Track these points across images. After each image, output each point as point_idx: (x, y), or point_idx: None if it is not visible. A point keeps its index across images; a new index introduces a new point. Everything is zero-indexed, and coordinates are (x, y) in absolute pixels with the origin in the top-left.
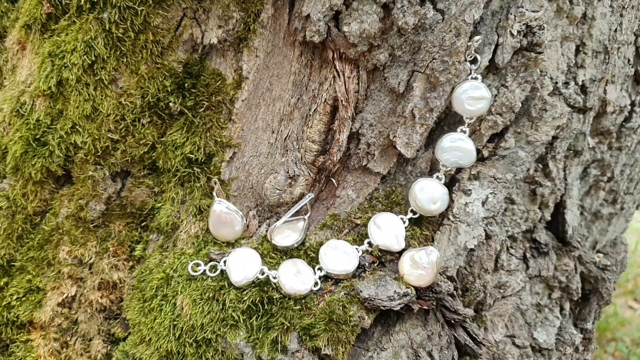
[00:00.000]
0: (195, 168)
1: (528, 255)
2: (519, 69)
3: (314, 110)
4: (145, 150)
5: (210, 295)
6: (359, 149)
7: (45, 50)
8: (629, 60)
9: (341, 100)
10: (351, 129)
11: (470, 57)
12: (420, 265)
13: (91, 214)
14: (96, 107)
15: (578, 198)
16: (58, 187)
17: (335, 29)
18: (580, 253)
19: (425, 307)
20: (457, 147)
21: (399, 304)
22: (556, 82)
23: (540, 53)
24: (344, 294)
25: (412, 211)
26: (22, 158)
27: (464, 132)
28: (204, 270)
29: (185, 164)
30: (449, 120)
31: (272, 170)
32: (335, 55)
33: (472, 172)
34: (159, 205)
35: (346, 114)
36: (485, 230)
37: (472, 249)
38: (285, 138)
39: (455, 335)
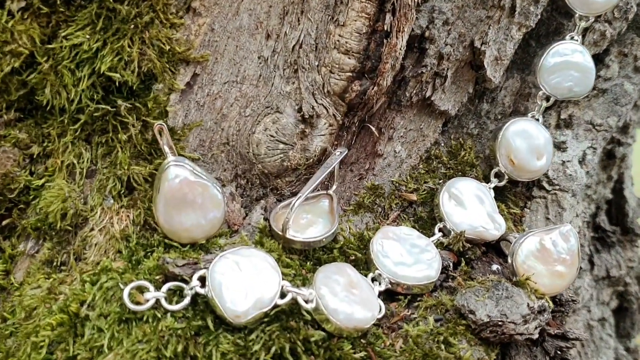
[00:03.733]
0: (119, 103)
1: (592, 249)
2: None
3: None
4: (15, 66)
5: (179, 348)
6: (424, 66)
7: None
8: None
9: None
10: (412, 29)
11: None
12: (556, 257)
13: None
14: None
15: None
16: None
17: None
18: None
19: (557, 331)
20: (573, 64)
21: (537, 327)
22: None
23: None
24: (435, 320)
25: (496, 175)
26: None
27: (576, 40)
28: (157, 301)
29: (97, 96)
30: (537, 31)
31: (269, 109)
32: None
33: (562, 117)
34: (40, 182)
35: None
36: None
37: None
38: (293, 47)
39: None
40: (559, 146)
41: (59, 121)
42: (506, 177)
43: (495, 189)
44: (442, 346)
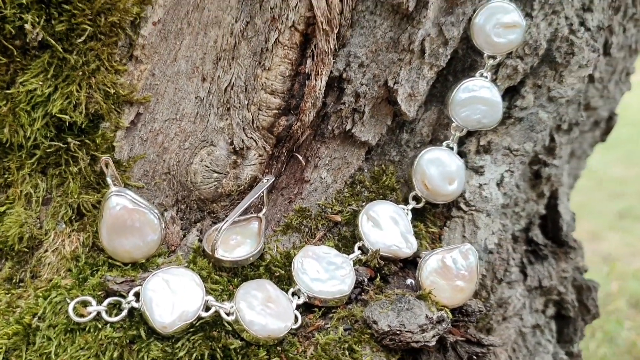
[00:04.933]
0: (70, 140)
1: (525, 261)
2: None
3: (275, 41)
4: None
5: (114, 355)
6: (342, 103)
7: None
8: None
9: (320, 23)
10: (331, 71)
11: None
12: (455, 273)
13: None
14: None
15: (567, 186)
16: None
17: None
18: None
19: (459, 339)
20: (479, 99)
21: (434, 335)
22: (571, 24)
23: None
24: (345, 329)
25: (414, 197)
26: None
27: (485, 77)
28: (98, 313)
29: (51, 134)
30: (455, 66)
31: (205, 142)
32: None
33: (481, 143)
34: (2, 209)
35: (327, 45)
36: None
37: (490, 251)
38: (225, 89)
39: None
40: (477, 170)
41: (17, 156)
42: (423, 200)
43: (415, 210)
44: (347, 353)
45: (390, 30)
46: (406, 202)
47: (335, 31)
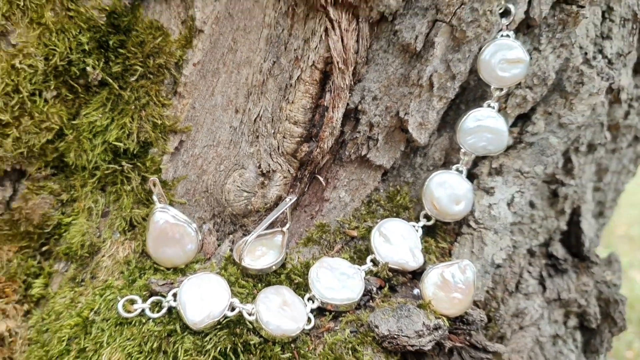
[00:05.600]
0: (124, 164)
1: (544, 274)
2: (555, 28)
3: (297, 78)
4: (49, 137)
5: (154, 345)
6: (358, 132)
7: None
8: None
9: (336, 63)
10: (348, 104)
11: (501, 8)
12: (453, 286)
13: None
14: None
15: (592, 205)
16: None
17: None
18: (594, 270)
19: (458, 344)
20: (485, 128)
21: (430, 341)
22: (586, 53)
23: (582, 7)
24: (351, 331)
25: (425, 216)
26: None
27: (492, 107)
28: (142, 310)
29: (109, 157)
30: (466, 96)
31: (237, 165)
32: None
33: (494, 166)
34: (69, 220)
35: (343, 81)
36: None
37: (499, 265)
38: (255, 119)
39: None
40: (488, 191)
41: (81, 176)
42: (433, 218)
43: (427, 227)
44: (350, 352)
45: (401, 67)
46: (418, 220)
47: (351, 69)
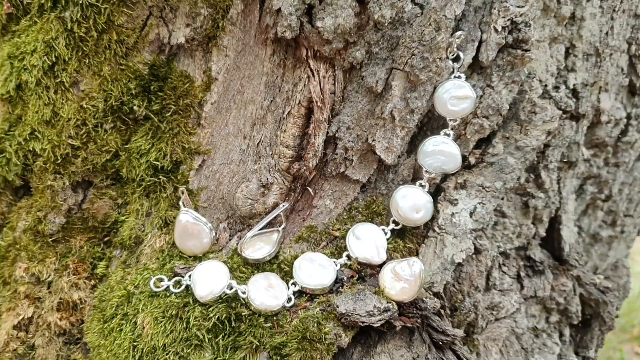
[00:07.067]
0: (161, 177)
1: (522, 274)
2: (504, 68)
3: (288, 113)
4: (108, 157)
5: (173, 312)
6: (336, 154)
7: (4, 53)
8: (622, 70)
9: (316, 102)
10: (327, 132)
11: (453, 54)
12: (402, 278)
13: (50, 227)
14: (56, 111)
15: (574, 214)
16: (16, 199)
17: (308, 25)
18: (579, 273)
19: (409, 325)
20: (440, 151)
21: (380, 320)
22: (546, 85)
23: (526, 50)
24: (320, 310)
25: (394, 221)
26: None
27: (448, 135)
28: (168, 286)
29: (150, 172)
30: (432, 124)
31: (244, 179)
32: (309, 54)
33: (459, 181)
34: (123, 218)
35: (322, 116)
36: (474, 244)
37: (460, 264)
38: (257, 144)
39: (444, 358)
40: (452, 202)
41: (131, 186)
42: (400, 224)
43: (395, 231)
44: (316, 325)
45: (368, 104)
46: (388, 224)
47: (328, 106)
